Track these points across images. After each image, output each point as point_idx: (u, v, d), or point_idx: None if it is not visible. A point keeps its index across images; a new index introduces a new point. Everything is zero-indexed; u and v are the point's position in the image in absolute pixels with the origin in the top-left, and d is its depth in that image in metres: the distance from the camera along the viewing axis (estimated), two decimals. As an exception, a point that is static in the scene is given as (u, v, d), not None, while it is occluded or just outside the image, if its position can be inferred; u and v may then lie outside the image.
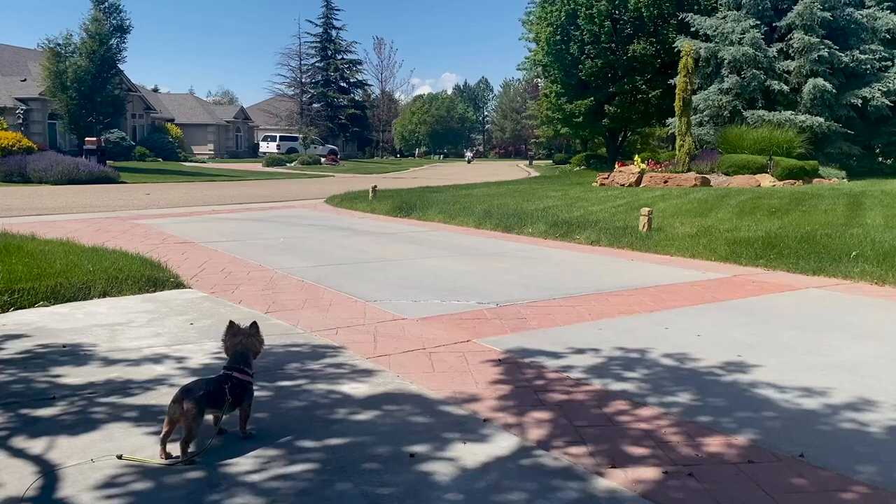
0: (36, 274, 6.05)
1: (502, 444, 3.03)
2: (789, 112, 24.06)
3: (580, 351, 4.45)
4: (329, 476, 2.72)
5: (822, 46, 24.02)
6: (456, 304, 5.82)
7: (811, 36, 24.08)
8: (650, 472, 2.77)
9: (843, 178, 21.55)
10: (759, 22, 25.47)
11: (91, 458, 2.84)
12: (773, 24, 25.70)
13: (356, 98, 74.57)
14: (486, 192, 18.88)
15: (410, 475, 2.73)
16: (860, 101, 24.06)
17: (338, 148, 63.49)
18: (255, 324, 3.26)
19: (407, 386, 3.77)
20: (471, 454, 2.92)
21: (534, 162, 69.01)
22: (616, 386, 3.80)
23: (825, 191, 16.60)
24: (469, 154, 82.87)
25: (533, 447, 3.00)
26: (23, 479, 2.66)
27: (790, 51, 24.83)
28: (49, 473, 2.71)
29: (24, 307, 5.42)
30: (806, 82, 24.18)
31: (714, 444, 3.05)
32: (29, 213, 13.87)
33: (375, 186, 17.02)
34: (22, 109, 41.30)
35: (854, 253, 7.65)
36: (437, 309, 5.61)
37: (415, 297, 6.09)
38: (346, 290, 6.35)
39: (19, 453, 2.88)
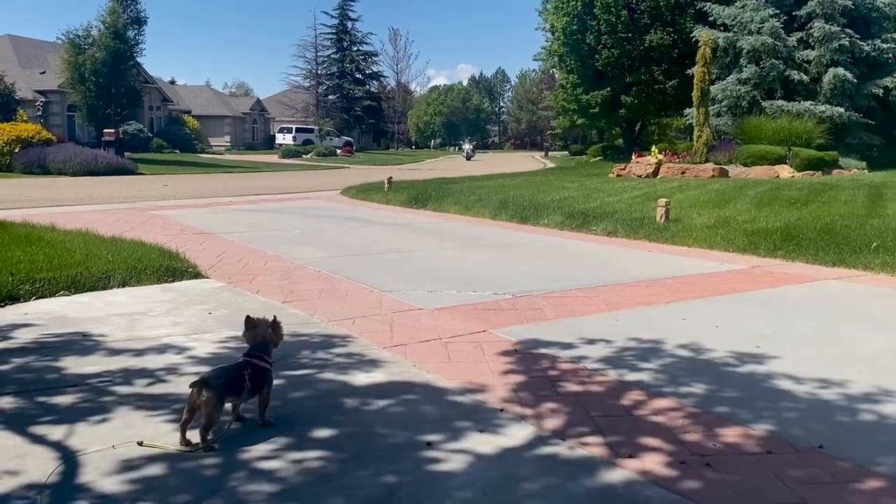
0: (56, 264, 6.12)
1: (518, 433, 3.04)
2: (809, 102, 23.73)
3: (596, 341, 4.44)
4: (347, 464, 2.74)
5: (843, 35, 23.65)
6: (472, 294, 5.82)
7: (832, 25, 23.72)
8: (667, 463, 2.76)
9: (863, 169, 21.26)
10: (778, 11, 25.10)
11: (112, 444, 2.87)
12: (793, 13, 25.34)
13: (372, 90, 74.58)
14: (502, 184, 18.83)
15: (427, 463, 2.74)
16: (882, 90, 23.69)
17: (353, 139, 63.51)
18: (275, 317, 3.30)
19: (423, 375, 3.79)
20: (486, 443, 2.93)
21: (549, 153, 68.22)
22: (632, 376, 3.79)
23: (845, 182, 16.40)
24: (468, 146, 56.06)
25: (549, 437, 3.00)
26: (45, 465, 2.70)
27: (810, 40, 24.47)
28: (70, 459, 2.75)
29: (45, 296, 5.49)
30: (826, 72, 23.84)
31: (731, 434, 3.03)
32: (49, 204, 14.02)
33: (391, 178, 17.02)
34: (41, 102, 41.72)
35: (875, 244, 7.55)
36: (453, 299, 5.62)
37: (430, 287, 6.10)
38: (362, 280, 6.37)
39: (40, 440, 2.93)
